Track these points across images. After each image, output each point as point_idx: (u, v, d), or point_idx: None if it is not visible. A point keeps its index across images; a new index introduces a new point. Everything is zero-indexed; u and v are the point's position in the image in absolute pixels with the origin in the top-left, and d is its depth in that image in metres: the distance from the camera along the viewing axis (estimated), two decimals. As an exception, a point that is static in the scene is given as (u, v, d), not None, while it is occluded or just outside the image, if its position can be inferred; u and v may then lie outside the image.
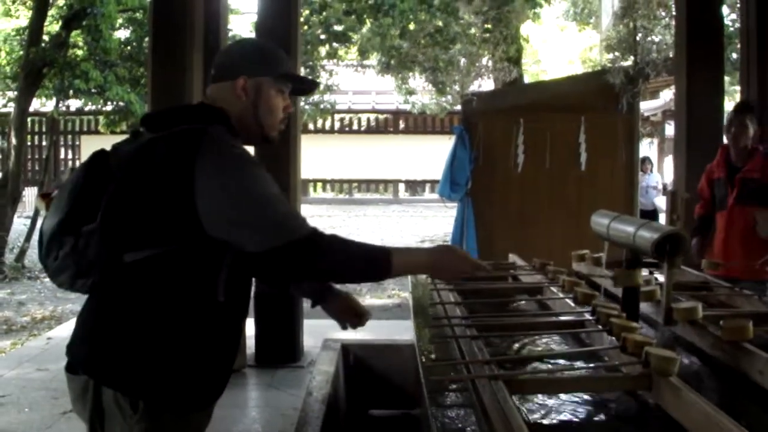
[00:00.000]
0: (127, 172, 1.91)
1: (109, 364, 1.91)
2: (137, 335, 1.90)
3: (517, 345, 2.39)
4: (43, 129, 21.28)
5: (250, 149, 2.11)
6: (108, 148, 2.03)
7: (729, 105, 8.78)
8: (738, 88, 7.93)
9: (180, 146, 1.87)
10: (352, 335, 6.00)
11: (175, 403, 1.93)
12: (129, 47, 12.12)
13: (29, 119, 14.28)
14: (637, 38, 8.80)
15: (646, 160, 13.13)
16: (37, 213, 11.66)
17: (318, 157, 20.16)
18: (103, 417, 1.92)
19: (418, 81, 13.67)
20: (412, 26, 12.51)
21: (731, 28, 10.26)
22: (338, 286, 2.46)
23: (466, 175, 7.99)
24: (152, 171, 1.88)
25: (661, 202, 12.34)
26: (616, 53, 9.14)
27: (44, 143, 21.15)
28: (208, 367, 2.00)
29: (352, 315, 2.44)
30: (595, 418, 1.80)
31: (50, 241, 1.92)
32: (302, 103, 12.15)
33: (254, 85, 2.05)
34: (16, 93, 11.79)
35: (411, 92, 14.18)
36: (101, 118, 13.21)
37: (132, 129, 2.08)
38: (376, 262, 2.00)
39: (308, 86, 2.37)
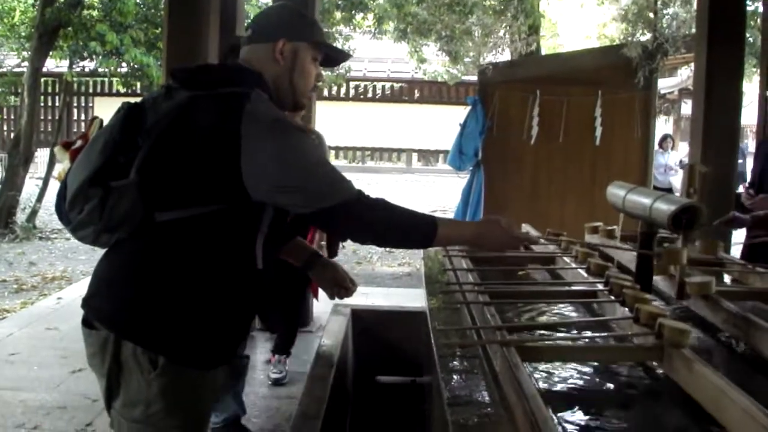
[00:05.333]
0: (168, 130, 1.89)
1: (133, 318, 1.91)
2: (166, 292, 1.91)
3: (529, 313, 2.39)
4: (57, 90, 21.24)
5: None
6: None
7: (747, 86, 8.69)
8: (756, 69, 7.86)
9: (225, 109, 1.87)
10: (363, 301, 6.11)
11: (195, 361, 1.94)
12: (145, 8, 12.05)
13: (42, 79, 14.23)
14: (657, 13, 8.72)
15: (667, 137, 12.97)
16: (51, 166, 11.68)
17: (332, 124, 20.01)
18: (120, 372, 1.92)
19: (432, 49, 13.61)
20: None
21: (750, 7, 10.13)
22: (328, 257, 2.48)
23: (475, 145, 7.94)
24: (195, 131, 1.88)
25: (677, 181, 12.19)
26: (633, 27, 9.05)
27: (57, 104, 21.15)
28: (231, 326, 2.03)
29: (340, 285, 2.46)
30: (606, 388, 1.80)
31: (76, 195, 1.89)
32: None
33: (292, 49, 2.06)
34: (29, 53, 11.74)
35: (423, 60, 14.13)
36: (115, 79, 13.16)
37: (164, 84, 2.05)
38: (421, 229, 2.02)
39: (340, 57, 2.34)
